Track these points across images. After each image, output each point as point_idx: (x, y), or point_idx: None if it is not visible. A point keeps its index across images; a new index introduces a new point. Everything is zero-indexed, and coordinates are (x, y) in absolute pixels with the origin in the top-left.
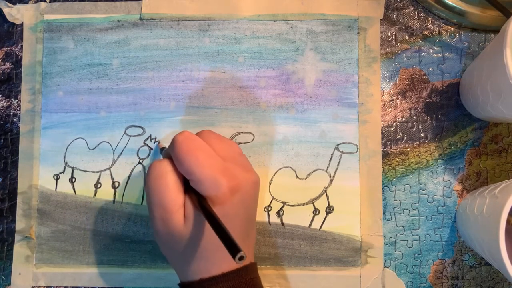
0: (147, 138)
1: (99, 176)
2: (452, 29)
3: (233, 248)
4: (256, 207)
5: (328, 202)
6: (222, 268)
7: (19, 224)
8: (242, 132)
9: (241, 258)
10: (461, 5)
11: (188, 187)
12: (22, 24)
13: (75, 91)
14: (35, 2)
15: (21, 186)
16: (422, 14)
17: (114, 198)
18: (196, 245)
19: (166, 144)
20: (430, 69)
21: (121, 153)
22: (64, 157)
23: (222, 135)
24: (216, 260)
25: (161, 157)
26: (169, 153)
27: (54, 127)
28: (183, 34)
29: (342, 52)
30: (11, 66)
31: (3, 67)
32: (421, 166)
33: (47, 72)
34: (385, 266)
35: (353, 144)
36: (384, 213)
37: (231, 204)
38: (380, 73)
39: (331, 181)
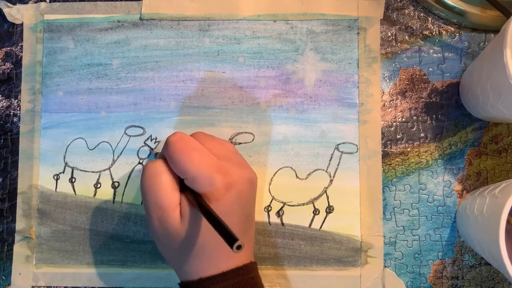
0: (148, 138)
1: (99, 176)
2: (452, 29)
3: (230, 238)
4: (254, 205)
5: (328, 202)
6: (221, 267)
7: (19, 224)
8: (242, 132)
9: (239, 247)
10: (461, 5)
11: (183, 187)
12: (22, 24)
13: (75, 91)
14: (35, 2)
15: (21, 186)
16: (422, 14)
17: (114, 198)
18: (193, 244)
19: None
20: (430, 69)
21: (121, 153)
22: (64, 157)
23: (215, 136)
24: (214, 259)
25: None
26: (163, 155)
27: (54, 127)
28: (183, 34)
29: (342, 52)
30: (11, 66)
31: (3, 67)
32: (421, 166)
33: (47, 72)
34: (385, 266)
35: (353, 144)
36: (384, 213)
37: (226, 200)
38: (380, 73)
39: (331, 181)
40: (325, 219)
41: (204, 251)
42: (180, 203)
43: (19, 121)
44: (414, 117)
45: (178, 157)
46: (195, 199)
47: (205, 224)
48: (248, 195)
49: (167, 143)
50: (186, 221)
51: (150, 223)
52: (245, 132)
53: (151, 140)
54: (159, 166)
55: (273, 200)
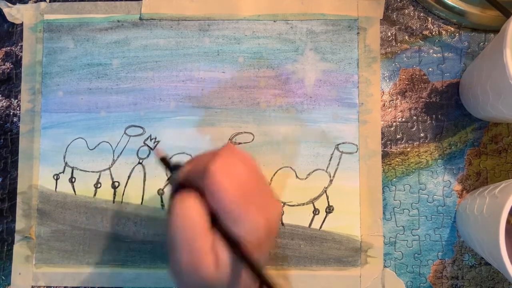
0: (147, 138)
1: (99, 176)
2: (452, 29)
3: None
4: None
5: (328, 202)
6: None
7: (19, 224)
8: (242, 132)
9: None
10: (461, 5)
11: (212, 222)
12: (22, 24)
13: (75, 91)
14: (35, 2)
15: (21, 186)
16: (422, 14)
17: (114, 198)
18: None
19: (163, 146)
20: (430, 69)
21: (121, 153)
22: (64, 157)
23: (244, 153)
24: None
25: (167, 172)
26: (186, 176)
27: (54, 127)
28: (183, 34)
29: (342, 52)
30: (11, 66)
31: (3, 67)
32: (421, 166)
33: (47, 72)
34: (385, 266)
35: (353, 144)
36: (384, 213)
37: (266, 245)
38: (380, 73)
39: (331, 181)
40: (325, 219)
41: None
42: (213, 246)
43: (19, 121)
44: (414, 117)
45: (224, 196)
46: (234, 247)
47: (243, 272)
48: (278, 226)
49: (209, 174)
50: (224, 268)
51: (180, 267)
52: (245, 132)
53: (151, 140)
54: (193, 203)
55: None
